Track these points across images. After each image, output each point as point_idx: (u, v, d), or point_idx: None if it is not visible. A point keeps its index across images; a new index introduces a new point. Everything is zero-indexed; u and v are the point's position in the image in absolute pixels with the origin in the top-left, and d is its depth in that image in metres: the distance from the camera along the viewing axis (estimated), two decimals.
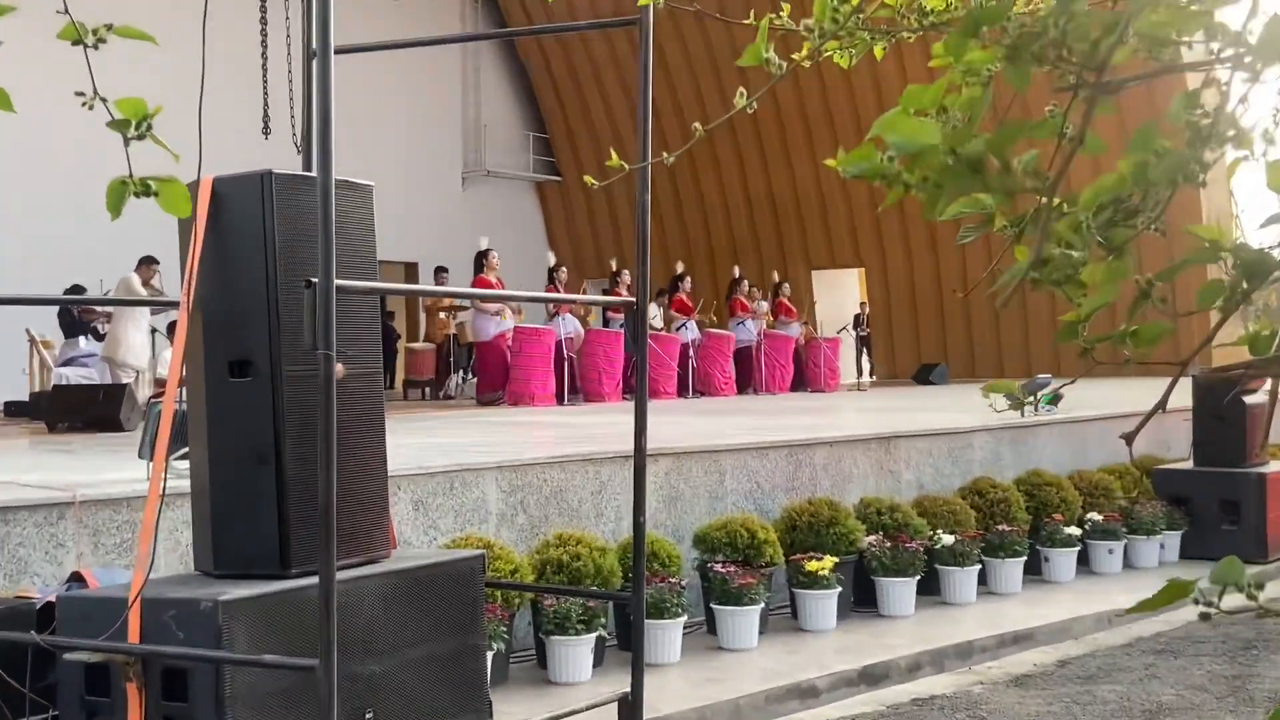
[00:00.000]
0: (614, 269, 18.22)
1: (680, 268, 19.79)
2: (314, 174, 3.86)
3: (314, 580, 3.81)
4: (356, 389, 4.33)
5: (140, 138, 1.79)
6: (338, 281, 3.76)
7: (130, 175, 1.83)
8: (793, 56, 1.97)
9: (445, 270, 20.12)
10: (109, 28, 1.87)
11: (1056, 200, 1.55)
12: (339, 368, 3.84)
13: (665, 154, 2.10)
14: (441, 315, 19.48)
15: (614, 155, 2.06)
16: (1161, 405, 1.73)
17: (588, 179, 2.23)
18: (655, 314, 18.65)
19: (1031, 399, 10.82)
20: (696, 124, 2.09)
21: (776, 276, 21.59)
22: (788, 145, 26.21)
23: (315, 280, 3.68)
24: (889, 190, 1.46)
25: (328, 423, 3.66)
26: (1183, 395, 6.62)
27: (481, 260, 16.05)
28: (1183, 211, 15.49)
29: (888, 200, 1.49)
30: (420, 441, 8.87)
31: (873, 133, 1.42)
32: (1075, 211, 1.48)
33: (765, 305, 20.30)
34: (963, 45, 1.42)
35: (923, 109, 1.47)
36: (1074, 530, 9.57)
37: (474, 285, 15.84)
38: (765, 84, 2.06)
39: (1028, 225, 1.48)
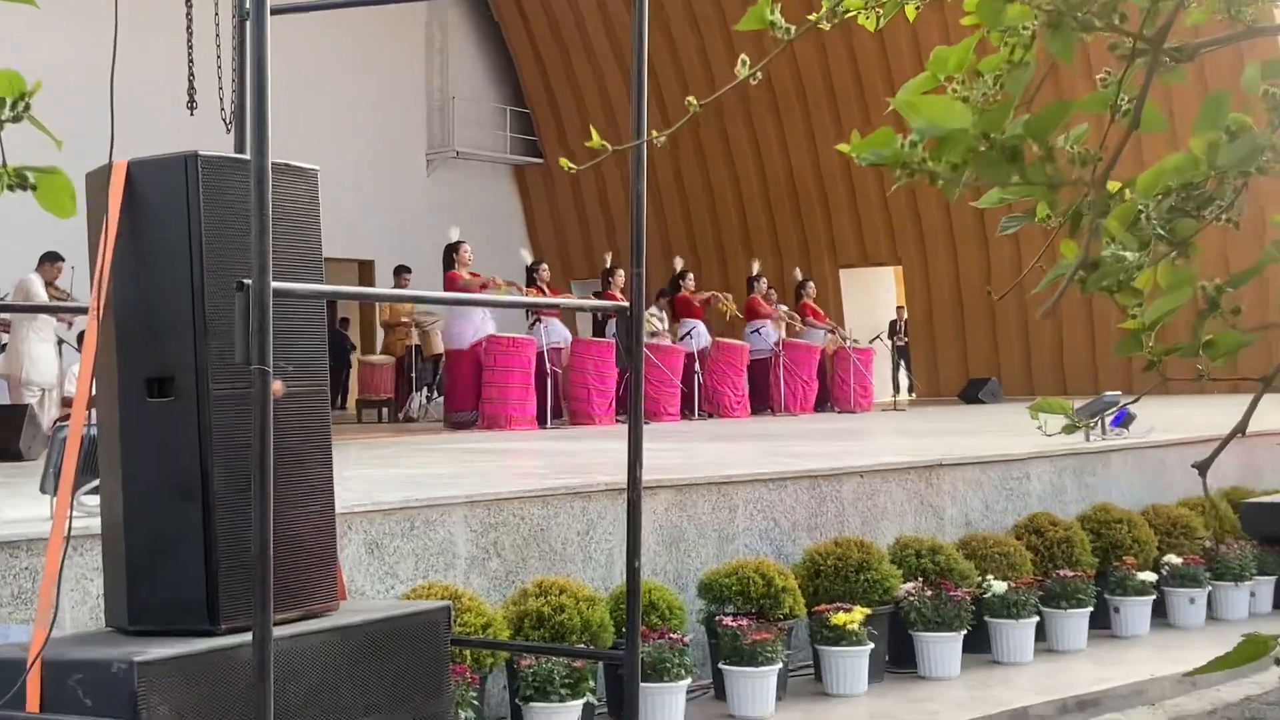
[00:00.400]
0: (606, 267, 18.24)
1: (680, 264, 19.81)
2: (247, 156, 3.87)
3: (247, 638, 3.81)
4: (299, 410, 4.32)
5: (17, 119, 1.78)
6: (276, 283, 3.76)
7: (3, 165, 1.82)
8: (809, 18, 1.98)
9: (407, 270, 20.16)
10: None
11: (1109, 187, 1.55)
12: (277, 385, 3.84)
13: (655, 133, 2.10)
14: (404, 322, 19.47)
15: (594, 134, 2.06)
16: (1241, 428, 1.74)
17: (563, 162, 2.23)
18: (658, 320, 18.67)
19: (1091, 421, 10.81)
20: (690, 98, 2.09)
21: (800, 274, 21.62)
22: (811, 121, 26.27)
23: (249, 281, 3.68)
24: (905, 177, 1.46)
25: (263, 450, 3.66)
26: (1274, 415, 6.58)
27: (451, 255, 16.08)
28: (1268, 197, 15.38)
29: (898, 183, 1.49)
30: (376, 472, 8.85)
31: (897, 107, 1.43)
32: (1131, 201, 1.48)
33: (785, 308, 20.33)
34: (998, 8, 1.42)
35: (952, 73, 1.47)
36: (1149, 576, 9.56)
37: (444, 282, 15.87)
38: (775, 49, 2.06)
39: (1075, 216, 1.48)
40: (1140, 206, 1.47)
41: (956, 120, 1.36)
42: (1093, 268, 1.42)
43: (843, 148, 1.53)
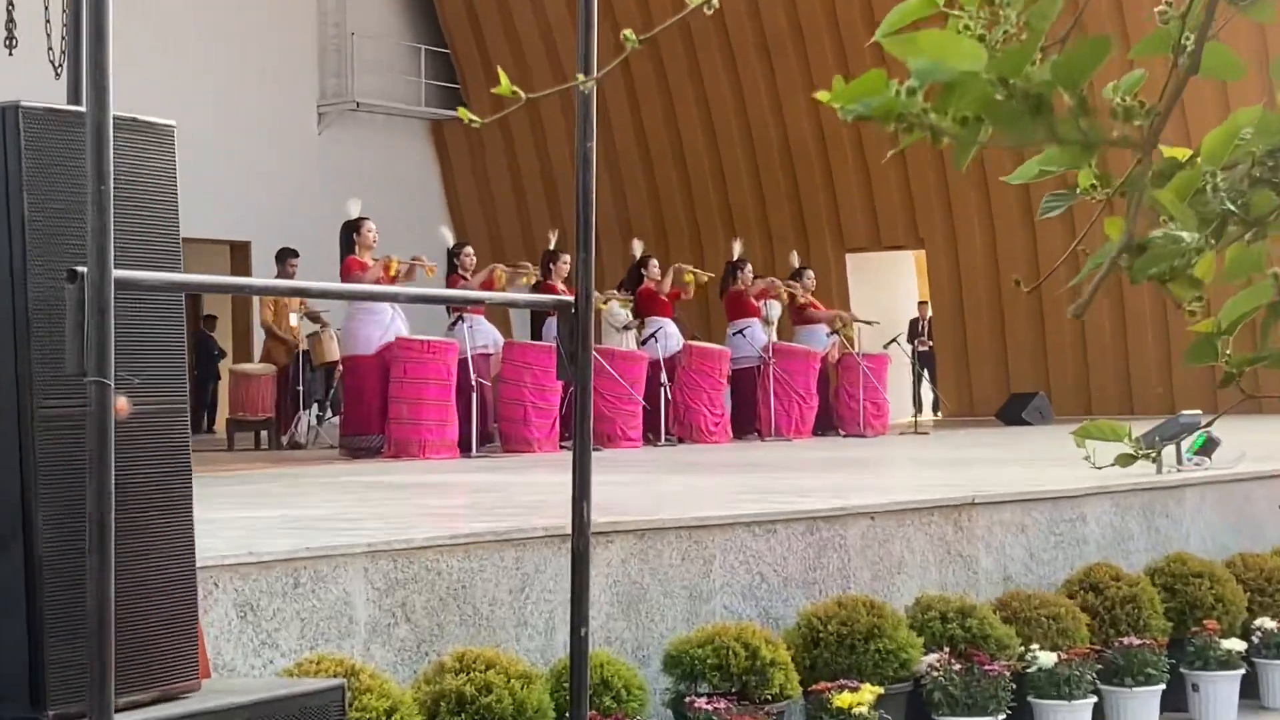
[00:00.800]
0: (549, 249, 18.24)
1: (640, 249, 19.81)
2: (82, 108, 3.85)
3: None
4: (150, 435, 4.31)
5: None
6: (119, 272, 3.75)
7: None
8: None
9: (294, 255, 20.09)
10: None
11: (1166, 153, 1.56)
12: (121, 403, 3.83)
13: (580, 76, 2.10)
14: (293, 320, 19.43)
15: (503, 77, 2.06)
16: None
17: (461, 113, 2.23)
18: (623, 318, 18.68)
19: (1160, 448, 10.85)
20: (627, 31, 2.10)
21: (796, 261, 21.67)
22: (810, 65, 26.35)
23: (83, 269, 3.67)
24: (902, 135, 1.46)
25: (102, 487, 3.64)
26: None
27: (351, 235, 16.05)
28: None
29: (903, 143, 1.49)
30: (251, 514, 8.83)
31: (885, 46, 1.42)
32: (1194, 168, 1.49)
33: (779, 282, 20.27)
34: None
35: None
36: (1236, 644, 9.61)
37: (343, 271, 15.84)
38: None
39: (1125, 188, 1.49)
40: (1205, 175, 1.48)
41: (966, 60, 1.36)
42: (1140, 251, 1.42)
43: (823, 96, 1.53)
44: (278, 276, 19.27)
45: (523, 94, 2.12)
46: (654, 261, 19.62)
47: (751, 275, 20.35)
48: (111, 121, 3.70)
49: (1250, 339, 1.82)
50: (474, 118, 2.18)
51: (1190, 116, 20.79)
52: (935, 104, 1.39)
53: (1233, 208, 1.45)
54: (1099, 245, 1.70)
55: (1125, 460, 2.28)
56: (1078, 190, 1.66)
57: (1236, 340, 1.83)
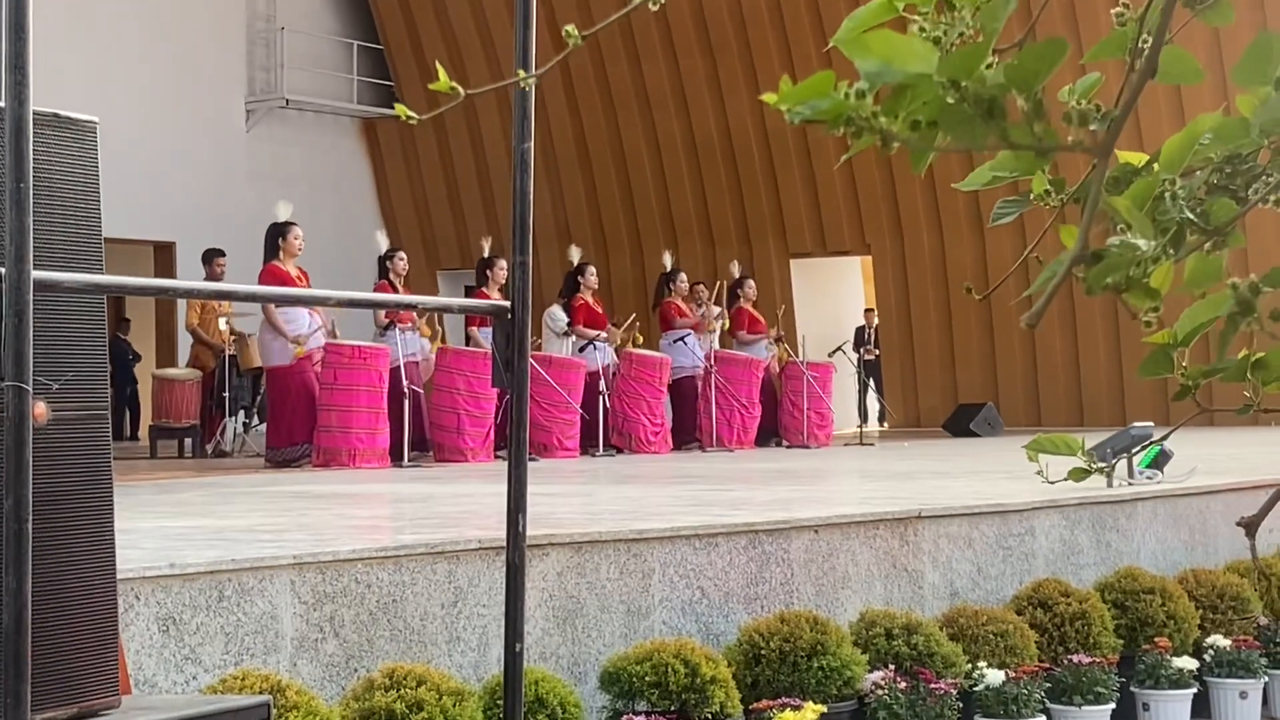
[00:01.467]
0: (484, 256, 18.23)
1: (577, 255, 19.77)
2: (1, 103, 3.83)
3: None
4: (69, 442, 4.29)
5: None
6: (38, 273, 3.73)
7: None
8: None
9: (221, 254, 20.01)
10: None
11: (1123, 159, 1.57)
12: (39, 408, 3.80)
13: (521, 73, 2.09)
14: (222, 326, 19.33)
15: (441, 71, 2.05)
16: None
17: (399, 109, 2.22)
18: (560, 324, 18.65)
19: (1107, 465, 10.90)
20: (569, 27, 2.09)
21: (736, 269, 21.73)
22: (755, 63, 26.40)
23: (1, 270, 3.64)
24: (853, 140, 1.46)
25: (18, 496, 3.62)
26: None
27: (277, 239, 15.98)
28: None
29: (852, 150, 1.49)
30: (174, 524, 8.78)
31: (838, 45, 1.42)
32: (1152, 175, 1.49)
33: (717, 310, 20.37)
34: None
35: (916, 2, 1.47)
36: (1188, 663, 9.66)
37: (261, 276, 15.76)
38: None
39: (1080, 195, 1.49)
40: (1163, 182, 1.48)
41: (916, 62, 1.35)
42: (1095, 260, 1.42)
43: (769, 98, 1.52)
44: (206, 278, 19.19)
45: (461, 90, 2.11)
46: (591, 269, 19.56)
47: (686, 285, 20.39)
48: (30, 116, 3.67)
49: (1205, 351, 1.83)
50: (411, 114, 2.17)
51: (1144, 122, 20.94)
52: (885, 107, 1.39)
53: (1192, 216, 1.45)
54: (1052, 253, 1.70)
55: (1078, 475, 2.28)
56: (1030, 197, 1.66)
57: (1191, 352, 1.84)
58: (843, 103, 1.41)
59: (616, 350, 19.13)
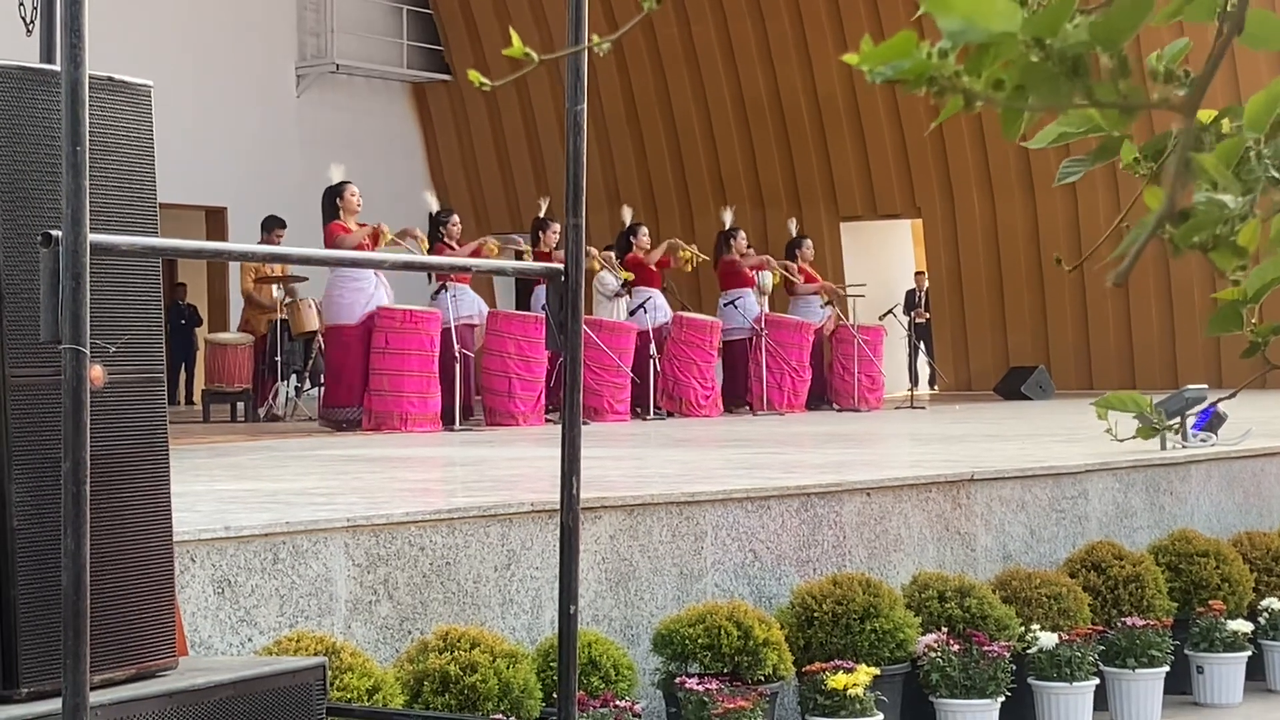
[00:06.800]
0: (538, 217, 18.21)
1: (629, 216, 19.73)
2: (56, 66, 3.82)
3: (56, 705, 3.77)
4: (127, 405, 4.30)
5: None
6: (94, 236, 3.72)
7: None
8: None
9: (281, 224, 19.96)
10: None
11: (1204, 118, 1.54)
12: (96, 371, 3.80)
13: (596, 38, 2.07)
14: (274, 292, 19.32)
15: (515, 37, 2.03)
16: None
17: (472, 75, 2.20)
18: (614, 285, 18.63)
19: (1176, 422, 10.86)
20: None
21: (794, 228, 21.59)
22: (804, 24, 26.28)
23: (58, 233, 3.64)
24: (941, 102, 1.44)
25: (76, 459, 3.62)
26: None
27: (335, 201, 15.99)
28: None
29: (942, 115, 1.47)
30: (229, 487, 8.81)
31: (923, 3, 1.40)
32: (1238, 133, 1.46)
33: (772, 268, 20.16)
34: None
35: None
36: (1243, 626, 9.62)
37: (326, 237, 15.78)
38: None
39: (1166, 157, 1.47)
40: (1249, 140, 1.46)
41: (999, 20, 1.33)
42: (1182, 219, 1.40)
43: (850, 58, 1.50)
44: (261, 243, 19.20)
45: (535, 56, 2.08)
46: (643, 229, 19.55)
47: (745, 243, 20.30)
48: (87, 80, 3.66)
49: (1275, 307, 1.80)
50: (485, 80, 2.15)
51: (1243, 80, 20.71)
52: (968, 66, 1.37)
53: (1277, 175, 1.43)
54: (1110, 217, 1.69)
55: (1148, 433, 2.26)
56: (1111, 160, 1.63)
57: (1261, 309, 1.82)
58: (925, 62, 1.39)
59: (686, 262, 19.15)
